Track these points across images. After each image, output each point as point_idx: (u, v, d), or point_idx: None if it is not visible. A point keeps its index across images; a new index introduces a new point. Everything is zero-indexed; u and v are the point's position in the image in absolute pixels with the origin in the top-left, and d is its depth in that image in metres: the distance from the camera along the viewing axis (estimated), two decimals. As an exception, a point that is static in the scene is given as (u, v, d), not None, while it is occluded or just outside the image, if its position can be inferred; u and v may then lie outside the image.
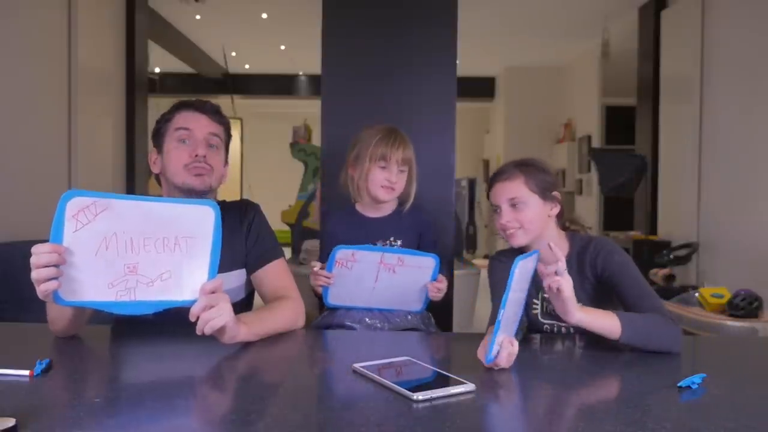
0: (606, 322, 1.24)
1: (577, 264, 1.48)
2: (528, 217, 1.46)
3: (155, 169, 1.51)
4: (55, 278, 1.06)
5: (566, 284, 1.20)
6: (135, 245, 1.11)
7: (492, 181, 1.53)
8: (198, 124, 1.47)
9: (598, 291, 1.48)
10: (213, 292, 1.16)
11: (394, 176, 1.71)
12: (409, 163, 1.74)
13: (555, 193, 1.50)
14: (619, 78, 6.83)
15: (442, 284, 1.67)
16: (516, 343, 1.14)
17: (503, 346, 1.11)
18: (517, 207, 1.47)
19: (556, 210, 1.51)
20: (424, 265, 1.64)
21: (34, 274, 1.06)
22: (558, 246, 1.49)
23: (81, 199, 1.08)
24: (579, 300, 1.48)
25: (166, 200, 1.16)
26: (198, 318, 1.15)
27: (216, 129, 1.49)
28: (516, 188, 1.47)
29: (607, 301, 1.49)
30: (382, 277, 1.63)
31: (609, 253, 1.44)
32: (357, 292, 1.65)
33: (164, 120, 1.49)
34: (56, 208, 1.07)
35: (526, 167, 1.49)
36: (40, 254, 1.06)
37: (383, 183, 1.72)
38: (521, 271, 1.14)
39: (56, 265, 1.06)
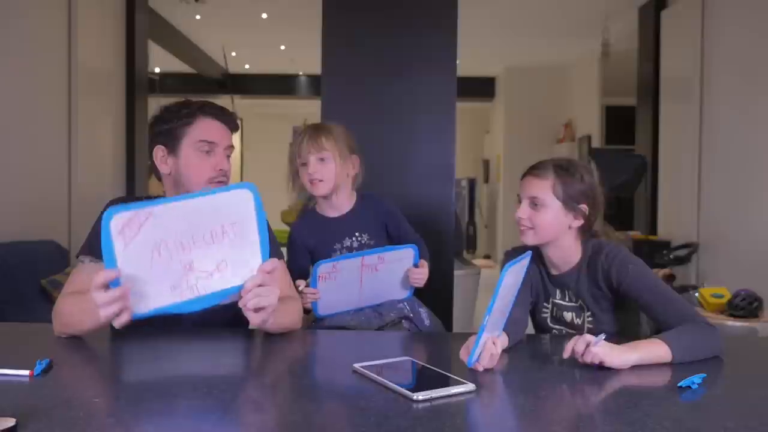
0: (657, 353, 1.17)
1: (587, 269, 1.46)
2: (543, 220, 1.43)
3: (165, 170, 1.47)
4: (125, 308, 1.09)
5: (604, 353, 1.12)
6: (185, 245, 1.12)
7: (525, 171, 1.50)
8: (221, 138, 1.46)
9: (614, 302, 1.46)
10: (269, 273, 1.18)
11: (311, 168, 1.66)
12: (331, 151, 1.67)
13: (582, 206, 1.45)
14: (619, 78, 6.82)
15: (423, 268, 1.67)
16: (499, 344, 1.14)
17: (486, 347, 1.11)
18: (536, 207, 1.44)
19: (578, 223, 1.46)
20: (404, 256, 1.66)
21: (105, 312, 1.09)
22: (571, 253, 1.48)
23: (121, 215, 1.08)
24: (594, 313, 1.47)
25: (202, 194, 1.16)
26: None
27: (232, 141, 1.51)
28: (541, 188, 1.44)
29: (623, 310, 1.48)
30: (366, 279, 1.63)
31: (622, 263, 1.39)
32: (344, 298, 1.65)
33: (181, 122, 1.44)
34: (101, 231, 1.07)
35: (562, 171, 1.45)
36: (101, 296, 1.08)
37: (308, 179, 1.68)
38: (510, 277, 1.12)
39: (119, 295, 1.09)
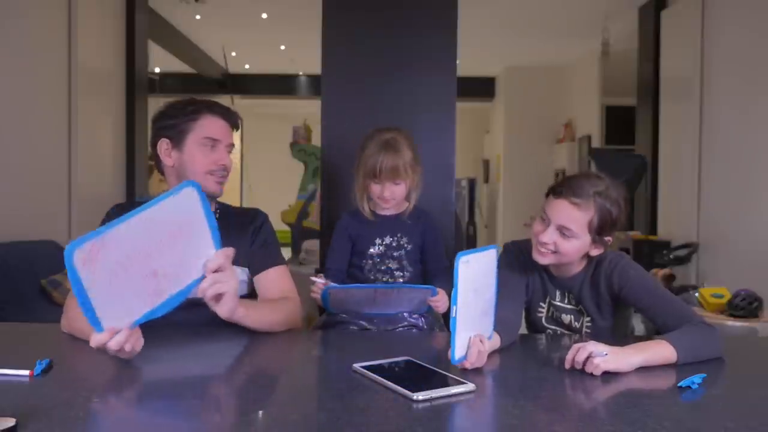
0: (662, 354, 1.16)
1: (591, 277, 1.46)
2: (569, 249, 1.37)
3: (168, 162, 1.52)
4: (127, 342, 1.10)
5: (607, 363, 1.10)
6: (148, 256, 1.12)
7: (559, 191, 1.37)
8: (224, 135, 1.53)
9: (614, 307, 1.46)
10: (227, 258, 1.21)
11: (386, 191, 1.73)
12: (405, 173, 1.73)
13: (608, 239, 1.39)
14: (619, 78, 6.82)
15: (442, 297, 1.63)
16: (486, 342, 1.13)
17: (473, 344, 1.10)
18: (564, 236, 1.36)
19: (597, 252, 1.41)
20: (422, 294, 1.62)
21: (122, 355, 1.11)
22: (577, 265, 1.46)
23: (80, 248, 1.04)
24: (591, 318, 1.46)
25: (149, 204, 1.15)
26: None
27: (233, 139, 1.57)
28: (576, 221, 1.34)
29: (618, 314, 1.48)
30: (379, 299, 1.64)
31: (623, 269, 1.39)
32: (357, 305, 1.67)
33: (186, 118, 1.50)
34: (66, 265, 1.05)
35: (602, 200, 1.35)
36: (109, 348, 1.09)
37: (378, 196, 1.75)
38: (468, 268, 1.08)
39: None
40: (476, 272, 1.13)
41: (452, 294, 1.07)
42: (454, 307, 1.07)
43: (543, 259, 1.41)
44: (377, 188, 1.74)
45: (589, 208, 1.34)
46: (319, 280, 1.61)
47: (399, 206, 1.82)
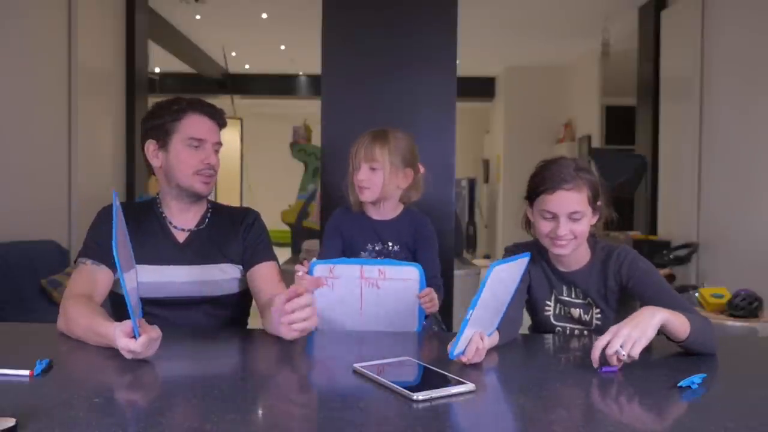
0: (681, 319, 1.18)
1: (600, 272, 1.48)
2: (582, 229, 1.42)
3: (156, 163, 1.53)
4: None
5: (640, 343, 1.10)
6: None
7: (553, 186, 1.41)
8: (210, 134, 1.52)
9: (621, 301, 1.48)
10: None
11: (361, 174, 1.70)
12: (381, 161, 1.69)
13: (599, 203, 1.46)
14: (619, 78, 6.82)
15: (431, 294, 1.59)
16: (486, 339, 1.14)
17: (472, 341, 1.11)
18: (575, 219, 1.41)
19: (595, 219, 1.47)
20: (407, 276, 1.56)
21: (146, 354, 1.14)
22: (584, 253, 1.49)
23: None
24: (600, 310, 1.48)
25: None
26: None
27: (220, 137, 1.56)
28: (581, 201, 1.41)
29: (624, 307, 1.49)
30: (366, 295, 1.57)
31: (633, 261, 1.43)
32: (345, 315, 1.59)
33: (171, 118, 1.50)
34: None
35: (587, 175, 1.43)
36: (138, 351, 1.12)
37: (357, 183, 1.72)
38: (497, 277, 1.09)
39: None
40: (504, 279, 1.14)
41: (475, 297, 1.07)
42: (471, 311, 1.08)
43: (565, 250, 1.44)
44: (356, 176, 1.71)
45: (582, 186, 1.41)
46: (307, 277, 1.56)
47: (384, 208, 1.77)
